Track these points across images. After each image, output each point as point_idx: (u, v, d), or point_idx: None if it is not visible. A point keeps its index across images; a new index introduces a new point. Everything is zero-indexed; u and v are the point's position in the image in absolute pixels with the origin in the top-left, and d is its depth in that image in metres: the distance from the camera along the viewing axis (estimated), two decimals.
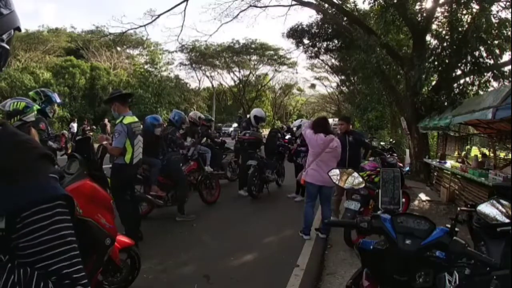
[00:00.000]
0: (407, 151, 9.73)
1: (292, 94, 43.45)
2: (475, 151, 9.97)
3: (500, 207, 1.96)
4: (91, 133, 13.60)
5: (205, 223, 4.72)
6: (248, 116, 7.65)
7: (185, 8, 13.31)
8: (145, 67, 28.59)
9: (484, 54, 7.76)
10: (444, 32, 8.28)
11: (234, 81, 37.01)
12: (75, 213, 0.66)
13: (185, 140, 6.00)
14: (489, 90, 7.63)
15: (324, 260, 3.61)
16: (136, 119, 3.75)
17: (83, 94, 21.83)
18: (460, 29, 7.78)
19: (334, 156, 4.12)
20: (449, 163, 7.13)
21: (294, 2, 12.54)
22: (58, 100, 4.12)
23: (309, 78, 37.65)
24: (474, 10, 7.67)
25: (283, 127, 15.32)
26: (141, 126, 4.08)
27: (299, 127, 6.81)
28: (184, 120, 5.50)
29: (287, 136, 8.22)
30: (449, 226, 1.23)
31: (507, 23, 7.38)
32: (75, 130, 15.37)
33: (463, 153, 8.21)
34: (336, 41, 14.57)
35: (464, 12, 7.81)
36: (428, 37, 8.82)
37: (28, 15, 56.88)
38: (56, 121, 17.44)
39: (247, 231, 4.45)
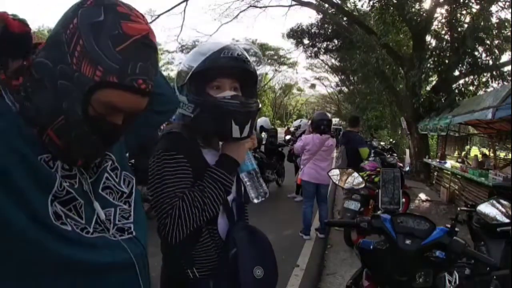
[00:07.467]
0: (407, 151, 9.72)
1: (292, 94, 43.51)
2: (475, 151, 9.99)
3: (500, 207, 1.96)
4: None
5: None
6: None
7: (184, 8, 13.32)
8: None
9: (484, 55, 7.77)
10: (443, 32, 8.28)
11: None
12: None
13: None
14: (489, 90, 7.63)
15: (324, 260, 3.61)
16: None
17: None
18: (459, 29, 7.78)
19: (329, 154, 4.23)
20: (449, 163, 7.12)
21: (294, 2, 12.57)
22: None
23: (309, 78, 37.62)
24: (474, 10, 7.67)
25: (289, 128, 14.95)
26: None
27: (298, 127, 6.83)
28: None
29: (287, 137, 8.23)
30: (449, 226, 1.22)
31: (506, 23, 7.38)
32: None
33: (463, 153, 8.21)
34: (336, 41, 14.58)
35: (464, 12, 7.81)
36: (428, 38, 8.82)
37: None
38: None
39: None
